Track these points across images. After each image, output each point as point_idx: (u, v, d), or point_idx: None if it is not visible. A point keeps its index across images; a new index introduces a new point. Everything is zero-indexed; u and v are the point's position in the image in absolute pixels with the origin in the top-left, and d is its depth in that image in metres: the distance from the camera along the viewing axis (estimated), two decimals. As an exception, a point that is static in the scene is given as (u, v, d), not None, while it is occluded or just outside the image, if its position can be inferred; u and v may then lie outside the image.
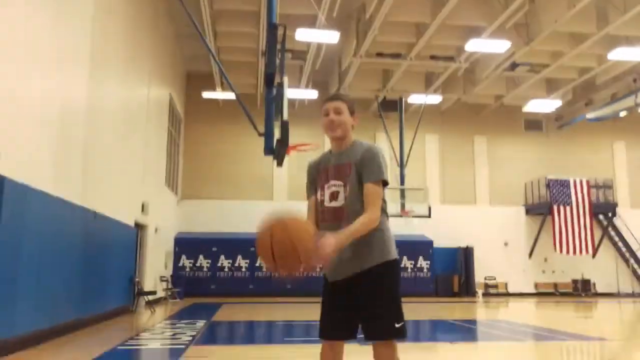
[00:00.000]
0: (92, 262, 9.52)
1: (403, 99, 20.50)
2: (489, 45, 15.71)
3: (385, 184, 2.75)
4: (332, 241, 2.45)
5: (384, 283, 2.67)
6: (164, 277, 16.79)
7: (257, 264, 20.00)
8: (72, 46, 8.56)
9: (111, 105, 10.89)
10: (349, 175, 2.77)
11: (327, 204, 2.82)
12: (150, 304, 13.03)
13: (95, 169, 9.78)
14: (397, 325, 2.60)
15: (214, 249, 19.94)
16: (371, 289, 2.66)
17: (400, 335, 2.60)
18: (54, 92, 7.79)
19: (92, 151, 9.57)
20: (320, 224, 2.83)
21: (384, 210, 2.78)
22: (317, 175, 2.95)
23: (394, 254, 2.75)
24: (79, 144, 8.95)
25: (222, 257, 19.95)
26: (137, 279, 13.01)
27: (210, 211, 21.00)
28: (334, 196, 2.81)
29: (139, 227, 13.88)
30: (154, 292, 14.19)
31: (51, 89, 7.70)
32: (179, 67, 20.02)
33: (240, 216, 20.96)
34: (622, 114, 20.79)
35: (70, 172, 8.51)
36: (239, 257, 19.99)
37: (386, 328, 2.59)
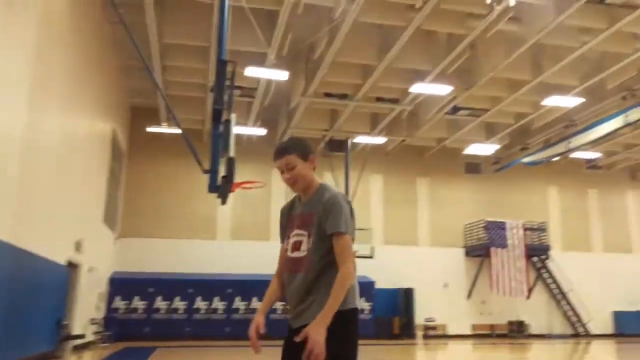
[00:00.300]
0: (16, 304, 8.81)
1: (349, 140, 20.75)
2: (432, 89, 16.27)
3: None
4: (316, 336, 2.39)
5: (332, 334, 2.47)
6: (94, 319, 15.82)
7: (195, 306, 19.24)
8: (10, 74, 8.10)
9: (50, 137, 10.34)
10: (313, 225, 2.68)
11: (289, 253, 2.75)
12: (78, 348, 12.18)
13: (29, 205, 9.17)
14: None
15: (151, 289, 19.04)
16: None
17: None
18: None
19: (27, 185, 8.99)
20: (284, 273, 2.75)
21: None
22: (286, 223, 2.85)
23: (351, 303, 2.62)
24: (13, 177, 8.38)
25: (159, 298, 19.05)
26: (65, 322, 12.16)
27: (150, 250, 20.15)
28: (296, 246, 2.72)
29: (72, 266, 13.08)
30: (82, 336, 13.30)
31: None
32: (124, 101, 19.48)
33: (181, 255, 20.28)
34: (555, 159, 21.88)
35: (1, 207, 7.93)
36: (177, 298, 19.17)
37: None
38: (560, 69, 15.32)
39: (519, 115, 19.72)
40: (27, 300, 9.43)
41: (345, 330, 2.56)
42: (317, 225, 2.66)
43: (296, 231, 2.74)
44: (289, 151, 2.77)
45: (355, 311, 2.66)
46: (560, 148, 19.67)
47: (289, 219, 2.84)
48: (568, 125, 19.95)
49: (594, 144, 20.07)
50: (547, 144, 21.16)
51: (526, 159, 21.61)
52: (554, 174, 25.17)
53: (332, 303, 2.49)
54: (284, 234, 2.85)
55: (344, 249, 2.60)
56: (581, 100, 17.13)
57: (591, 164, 25.29)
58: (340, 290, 2.51)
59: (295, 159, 2.74)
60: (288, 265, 2.75)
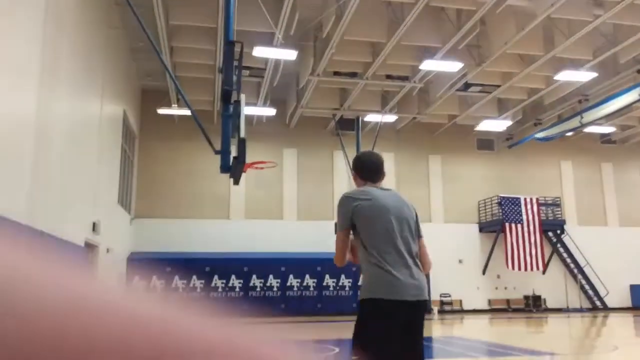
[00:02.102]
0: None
1: (360, 118, 20.74)
2: (442, 66, 16.14)
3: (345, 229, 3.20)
4: None
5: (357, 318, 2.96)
6: (115, 298, 16.19)
7: (213, 284, 19.62)
8: (20, 58, 8.26)
9: (62, 120, 10.54)
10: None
11: None
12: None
13: (44, 187, 9.41)
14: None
15: (168, 269, 19.43)
16: None
17: None
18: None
19: (42, 168, 9.21)
20: None
21: (369, 254, 2.99)
22: None
23: (365, 294, 2.93)
24: (28, 160, 8.59)
25: (177, 277, 19.45)
26: (86, 301, 12.50)
27: (165, 230, 20.52)
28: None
29: (90, 247, 13.40)
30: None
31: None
32: (134, 83, 19.65)
33: (195, 235, 20.61)
34: (569, 134, 21.65)
35: (16, 189, 8.15)
36: (194, 277, 19.55)
37: None
38: (573, 43, 15.07)
39: (531, 91, 19.51)
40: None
41: (366, 316, 2.92)
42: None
43: None
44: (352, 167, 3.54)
45: (368, 302, 2.92)
46: (573, 123, 19.44)
47: None
48: (581, 100, 19.71)
49: (607, 118, 19.83)
50: (561, 119, 20.94)
51: (539, 135, 21.41)
52: (568, 149, 24.95)
53: None
54: None
55: (335, 241, 3.21)
56: (594, 74, 16.90)
57: (605, 139, 25.01)
58: None
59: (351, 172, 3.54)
60: None
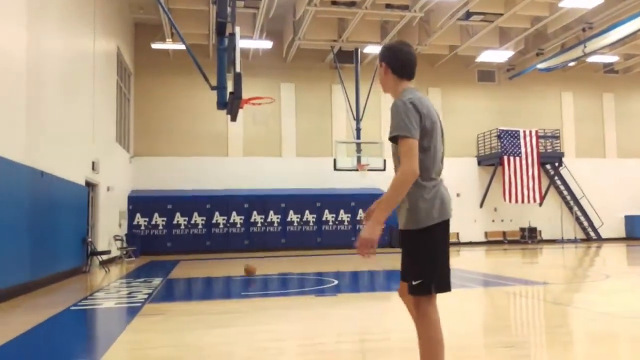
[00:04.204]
0: (42, 223, 9.22)
1: (359, 50, 20.30)
2: (443, -5, 15.60)
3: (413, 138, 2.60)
4: (365, 234, 2.53)
5: (408, 246, 2.72)
6: (118, 236, 16.50)
7: (214, 221, 19.90)
8: (4, -6, 7.96)
9: (54, 58, 10.30)
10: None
11: None
12: (104, 264, 12.83)
13: (40, 126, 9.33)
14: (413, 283, 2.65)
15: (169, 206, 19.65)
16: (403, 249, 2.76)
17: (417, 292, 2.64)
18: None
19: (36, 107, 9.09)
20: None
21: (426, 170, 2.67)
22: None
23: (422, 222, 2.64)
24: (21, 99, 8.47)
25: (178, 214, 19.70)
26: (89, 239, 12.73)
27: (164, 168, 20.58)
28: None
29: (90, 186, 13.48)
30: (107, 252, 13.95)
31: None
32: (127, 17, 19.08)
33: (195, 173, 20.70)
34: (571, 64, 21.25)
35: (11, 129, 8.08)
36: (195, 214, 19.79)
37: (409, 286, 2.69)
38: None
39: (534, 19, 18.96)
40: (52, 220, 9.84)
41: (426, 242, 2.66)
42: (389, 131, 2.69)
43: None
44: (379, 56, 2.88)
45: (440, 225, 2.67)
46: (576, 52, 19.05)
47: None
48: (585, 28, 19.19)
49: (611, 47, 19.39)
50: (564, 49, 20.49)
51: (541, 65, 21.04)
52: (570, 80, 24.60)
53: (383, 205, 2.58)
54: None
55: (403, 152, 2.58)
56: (600, 0, 16.35)
57: (608, 68, 24.60)
58: (392, 192, 2.56)
59: (380, 64, 2.87)
60: None
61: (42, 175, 9.21)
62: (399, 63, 2.81)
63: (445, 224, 2.71)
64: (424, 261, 2.66)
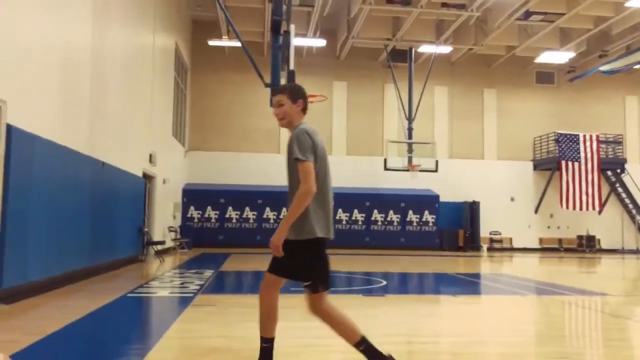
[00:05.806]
0: (101, 212, 9.61)
1: (413, 49, 20.08)
2: (503, -6, 15.23)
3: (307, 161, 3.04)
4: (273, 240, 3.08)
5: (294, 257, 3.19)
6: (172, 227, 17.00)
7: (265, 216, 20.19)
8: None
9: (117, 52, 10.71)
10: (288, 157, 3.16)
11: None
12: (159, 253, 13.24)
13: (102, 118, 9.72)
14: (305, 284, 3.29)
15: (222, 200, 20.09)
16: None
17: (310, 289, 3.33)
18: (55, 38, 7.62)
19: (98, 100, 9.48)
20: None
21: (319, 188, 3.08)
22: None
23: (307, 234, 3.13)
24: (85, 92, 8.85)
25: (230, 208, 20.12)
26: (145, 229, 13.17)
27: (218, 163, 21.05)
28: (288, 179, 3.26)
29: (147, 177, 13.94)
30: (162, 242, 14.40)
31: (53, 35, 7.53)
32: (185, 14, 19.60)
33: (247, 168, 21.06)
34: (637, 67, 20.26)
35: (76, 121, 8.46)
36: (247, 208, 20.16)
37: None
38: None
39: (598, 19, 18.22)
40: (111, 209, 10.24)
41: (303, 256, 3.21)
42: (289, 154, 3.13)
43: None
44: (282, 91, 3.30)
45: (309, 242, 3.16)
46: (643, 54, 18.14)
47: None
48: (654, 28, 18.29)
49: (682, 48, 18.35)
50: (628, 51, 19.57)
51: (604, 67, 20.11)
52: (635, 84, 23.53)
53: (285, 220, 3.07)
54: None
55: (302, 174, 3.02)
56: (671, -1, 15.56)
57: (678, 71, 23.35)
58: (294, 207, 3.04)
59: (285, 99, 3.24)
60: None
61: (102, 166, 9.60)
62: (306, 100, 3.31)
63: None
64: (313, 269, 3.33)
